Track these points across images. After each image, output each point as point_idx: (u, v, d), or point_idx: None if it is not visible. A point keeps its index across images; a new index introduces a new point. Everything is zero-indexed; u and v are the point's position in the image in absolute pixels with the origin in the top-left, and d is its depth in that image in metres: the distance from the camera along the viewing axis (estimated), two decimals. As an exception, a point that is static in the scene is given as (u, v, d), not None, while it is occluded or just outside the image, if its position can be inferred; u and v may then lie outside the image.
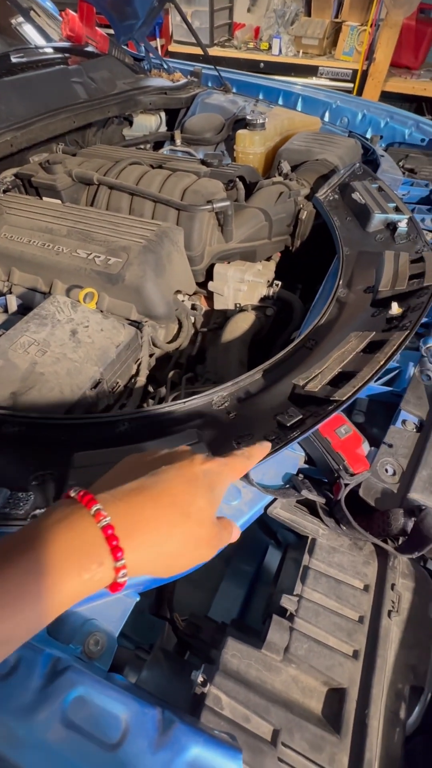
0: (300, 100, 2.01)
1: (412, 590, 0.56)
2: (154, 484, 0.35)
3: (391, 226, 1.03)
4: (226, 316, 1.22)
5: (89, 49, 1.93)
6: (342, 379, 0.61)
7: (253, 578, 0.79)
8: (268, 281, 1.20)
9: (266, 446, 0.48)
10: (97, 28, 1.98)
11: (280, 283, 1.18)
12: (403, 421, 0.70)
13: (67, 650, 0.46)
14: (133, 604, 0.52)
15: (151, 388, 0.97)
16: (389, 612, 0.53)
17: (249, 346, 1.15)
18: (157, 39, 4.73)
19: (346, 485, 0.57)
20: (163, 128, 1.86)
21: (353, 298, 0.89)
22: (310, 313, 0.92)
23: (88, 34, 1.92)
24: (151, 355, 0.95)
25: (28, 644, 0.39)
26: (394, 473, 0.63)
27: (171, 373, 0.99)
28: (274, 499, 0.60)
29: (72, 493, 0.33)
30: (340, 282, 0.92)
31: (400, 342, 0.61)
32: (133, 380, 0.89)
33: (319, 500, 0.59)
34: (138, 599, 0.53)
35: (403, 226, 1.01)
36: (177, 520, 0.35)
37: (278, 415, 0.56)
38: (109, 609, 0.51)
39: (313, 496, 0.58)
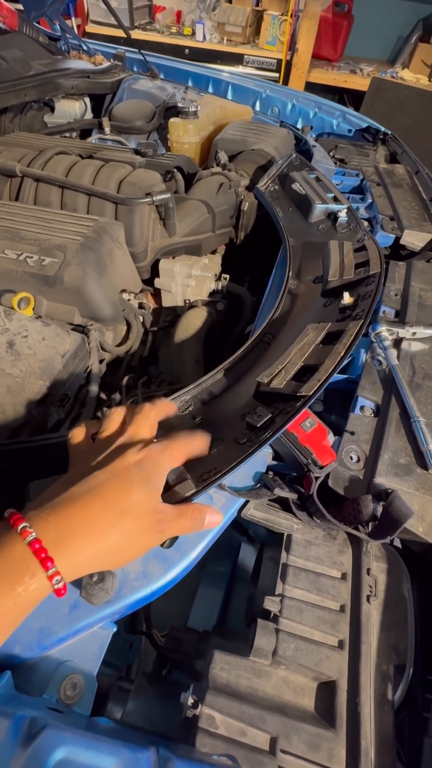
0: (230, 88, 1.98)
1: (385, 572, 0.57)
2: (85, 491, 0.38)
3: (332, 216, 1.05)
4: (176, 313, 1.18)
5: (-4, 24, 1.75)
6: (305, 372, 0.60)
7: (229, 578, 0.78)
8: (216, 275, 1.17)
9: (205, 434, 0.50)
10: (2, 1, 1.80)
11: (228, 276, 1.16)
12: (362, 407, 0.72)
13: (41, 703, 0.41)
14: (110, 636, 0.48)
15: (104, 396, 0.91)
16: (368, 597, 0.54)
17: (203, 343, 1.12)
18: (72, 18, 4.43)
19: (317, 478, 0.57)
20: (89, 115, 1.74)
21: (304, 289, 0.90)
22: (262, 307, 0.91)
23: (-8, 7, 1.74)
24: (101, 361, 0.89)
25: (-4, 711, 0.35)
26: (359, 460, 0.64)
27: (125, 378, 0.93)
28: (247, 501, 0.58)
29: (6, 514, 0.37)
30: (290, 273, 0.92)
31: (356, 331, 0.62)
32: (84, 390, 0.82)
33: (291, 496, 0.58)
34: (115, 629, 0.49)
35: (343, 215, 1.03)
36: (111, 520, 0.38)
37: (247, 416, 0.55)
38: (84, 646, 0.47)
39: (285, 493, 0.58)
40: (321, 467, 0.58)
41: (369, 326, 0.76)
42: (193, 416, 0.62)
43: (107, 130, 1.56)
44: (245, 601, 0.63)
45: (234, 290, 1.15)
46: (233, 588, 0.77)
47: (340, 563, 0.57)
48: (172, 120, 1.48)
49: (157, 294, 1.20)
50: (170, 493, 0.47)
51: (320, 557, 0.57)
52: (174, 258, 1.16)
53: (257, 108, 1.94)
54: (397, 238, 1.16)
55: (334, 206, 1.06)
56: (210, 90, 1.99)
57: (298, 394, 0.55)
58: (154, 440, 0.45)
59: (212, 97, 1.76)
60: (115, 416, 0.47)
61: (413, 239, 1.13)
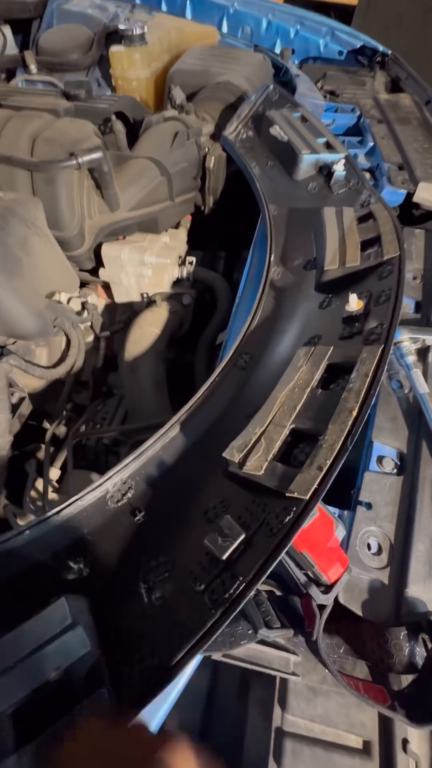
0: (188, 3, 1.58)
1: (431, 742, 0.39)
2: None
3: (325, 171, 0.78)
4: (133, 310, 0.94)
5: None
6: (297, 442, 0.39)
7: (200, 733, 0.56)
8: (180, 257, 0.92)
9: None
10: None
11: (194, 259, 0.90)
12: (379, 460, 0.51)
13: None
14: None
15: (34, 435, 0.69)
16: (405, 776, 0.37)
17: (169, 347, 0.89)
18: None
19: (322, 609, 0.37)
20: (13, 50, 1.37)
21: (291, 280, 0.66)
22: (236, 307, 0.67)
23: None
24: (21, 399, 0.66)
25: None
26: (380, 550, 0.44)
27: (50, 430, 0.70)
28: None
29: None
30: (271, 258, 0.68)
31: (374, 366, 0.39)
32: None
33: (285, 635, 0.39)
34: None
35: (339, 169, 0.76)
36: None
37: (208, 537, 0.33)
38: None
39: (276, 634, 0.38)
40: (329, 587, 0.38)
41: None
42: (132, 511, 0.41)
43: (32, 68, 1.22)
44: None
45: (203, 277, 0.90)
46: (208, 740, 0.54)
47: (361, 725, 0.39)
48: (114, 49, 1.14)
49: (108, 286, 0.95)
50: None
51: (330, 716, 0.39)
52: (124, 239, 0.90)
53: (224, 28, 1.56)
54: (409, 195, 0.90)
55: (326, 156, 0.79)
56: (163, 8, 1.59)
57: (286, 494, 0.33)
58: None
59: (166, 17, 1.38)
60: None
61: (430, 195, 0.87)
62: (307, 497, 0.33)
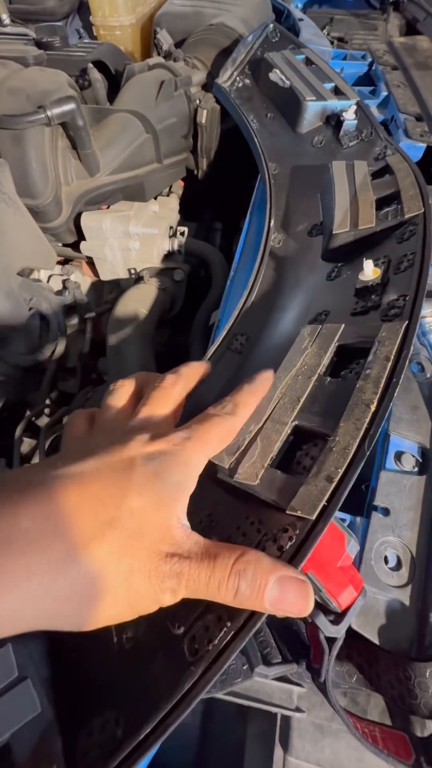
0: None
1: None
2: (46, 480, 0.23)
3: (333, 120, 0.68)
4: (120, 288, 0.85)
5: None
6: (300, 442, 0.31)
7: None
8: (171, 228, 0.82)
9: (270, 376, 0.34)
10: None
11: (185, 229, 0.81)
12: (398, 456, 0.44)
13: None
14: None
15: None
16: None
17: (161, 329, 0.81)
18: None
19: (332, 643, 0.31)
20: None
21: (294, 249, 0.57)
22: (231, 280, 0.59)
23: None
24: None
25: None
26: (399, 564, 0.38)
27: (20, 426, 0.63)
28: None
29: None
30: (271, 223, 0.59)
31: (395, 349, 0.32)
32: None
33: (288, 670, 0.33)
34: None
35: (350, 117, 0.66)
36: (80, 534, 0.21)
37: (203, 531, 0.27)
38: None
39: (276, 671, 0.32)
40: (339, 615, 0.31)
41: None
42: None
43: (4, 17, 1.09)
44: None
45: (196, 250, 0.81)
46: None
47: (379, 771, 0.33)
48: (93, -9, 1.01)
49: (93, 262, 0.86)
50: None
51: (341, 761, 0.33)
52: (108, 208, 0.81)
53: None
54: (429, 149, 0.79)
55: (334, 103, 0.68)
56: None
57: (287, 511, 0.26)
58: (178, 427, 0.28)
59: None
60: (122, 392, 0.32)
61: (454, 148, 0.77)
62: (314, 517, 0.26)
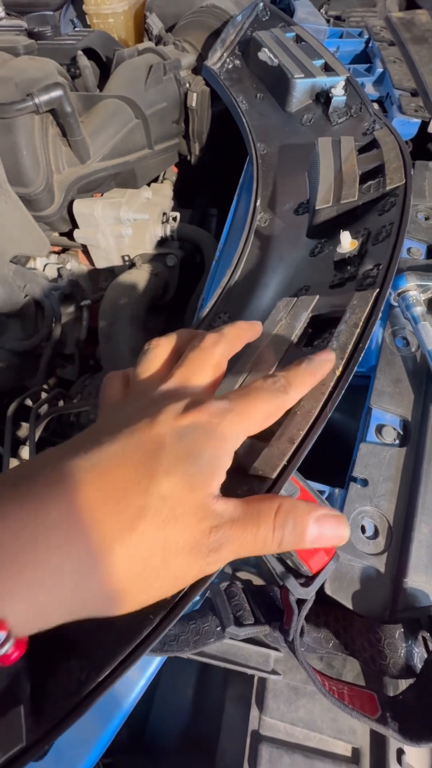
0: None
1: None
2: (76, 472, 0.21)
3: (323, 98, 0.67)
4: (115, 274, 0.86)
5: None
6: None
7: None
8: (164, 214, 0.83)
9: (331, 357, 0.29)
10: None
11: (178, 215, 0.81)
12: (379, 429, 0.44)
13: None
14: None
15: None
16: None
17: (156, 314, 0.82)
18: None
19: (300, 604, 0.31)
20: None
21: (280, 227, 0.57)
22: (217, 262, 0.59)
23: None
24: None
25: None
26: (376, 533, 0.38)
27: (19, 399, 0.65)
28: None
29: None
30: (257, 203, 0.59)
31: (364, 316, 0.32)
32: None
33: (260, 632, 0.33)
34: None
35: (339, 93, 0.65)
36: (114, 525, 0.20)
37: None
38: None
39: (247, 631, 0.33)
40: (310, 579, 0.32)
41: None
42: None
43: (-1, 10, 1.10)
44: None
45: (188, 235, 0.81)
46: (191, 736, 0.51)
47: (350, 730, 0.34)
48: (85, -21, 1.01)
49: (87, 250, 0.87)
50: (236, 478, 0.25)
51: (314, 720, 0.34)
52: (101, 196, 0.81)
53: None
54: (424, 124, 0.77)
55: (324, 80, 0.67)
56: None
57: (250, 472, 0.27)
58: (216, 396, 0.26)
59: None
60: (157, 351, 0.28)
61: (449, 123, 0.75)
62: (273, 476, 0.26)
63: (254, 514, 0.22)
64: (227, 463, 0.23)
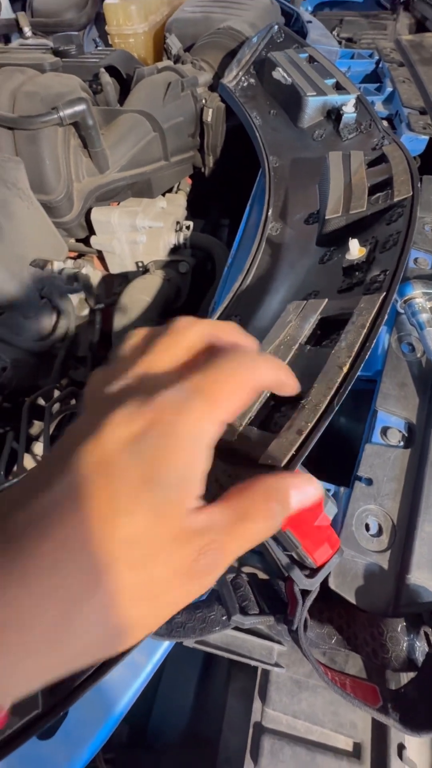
0: None
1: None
2: (38, 518, 0.17)
3: (334, 114, 0.70)
4: (128, 280, 0.89)
5: None
6: (279, 405, 0.33)
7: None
8: (177, 223, 0.86)
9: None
10: None
11: (191, 224, 0.84)
12: (384, 431, 0.45)
13: None
14: None
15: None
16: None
17: (163, 318, 0.84)
18: None
19: (305, 595, 0.32)
20: (7, 14, 1.31)
21: (291, 236, 0.59)
22: (228, 268, 0.61)
23: None
24: (3, 369, 0.64)
25: None
26: (380, 531, 0.39)
27: (33, 397, 0.67)
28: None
29: None
30: (269, 213, 0.61)
31: (371, 318, 0.33)
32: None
33: (264, 622, 0.34)
34: None
35: (349, 111, 0.68)
36: (80, 585, 0.16)
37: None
38: None
39: (252, 620, 0.33)
40: (314, 571, 0.33)
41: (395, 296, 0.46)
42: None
43: (26, 30, 1.16)
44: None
45: (200, 243, 0.84)
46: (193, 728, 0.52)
47: (351, 725, 0.34)
48: (108, 2, 1.06)
49: (103, 256, 0.90)
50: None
51: (316, 713, 0.34)
52: (118, 205, 0.84)
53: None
54: (432, 141, 0.80)
55: (335, 98, 0.70)
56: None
57: (260, 462, 0.28)
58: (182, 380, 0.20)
59: (168, -33, 1.29)
60: (134, 340, 0.23)
61: (456, 139, 0.77)
62: (282, 465, 0.27)
63: (241, 513, 0.20)
64: (202, 466, 0.19)
